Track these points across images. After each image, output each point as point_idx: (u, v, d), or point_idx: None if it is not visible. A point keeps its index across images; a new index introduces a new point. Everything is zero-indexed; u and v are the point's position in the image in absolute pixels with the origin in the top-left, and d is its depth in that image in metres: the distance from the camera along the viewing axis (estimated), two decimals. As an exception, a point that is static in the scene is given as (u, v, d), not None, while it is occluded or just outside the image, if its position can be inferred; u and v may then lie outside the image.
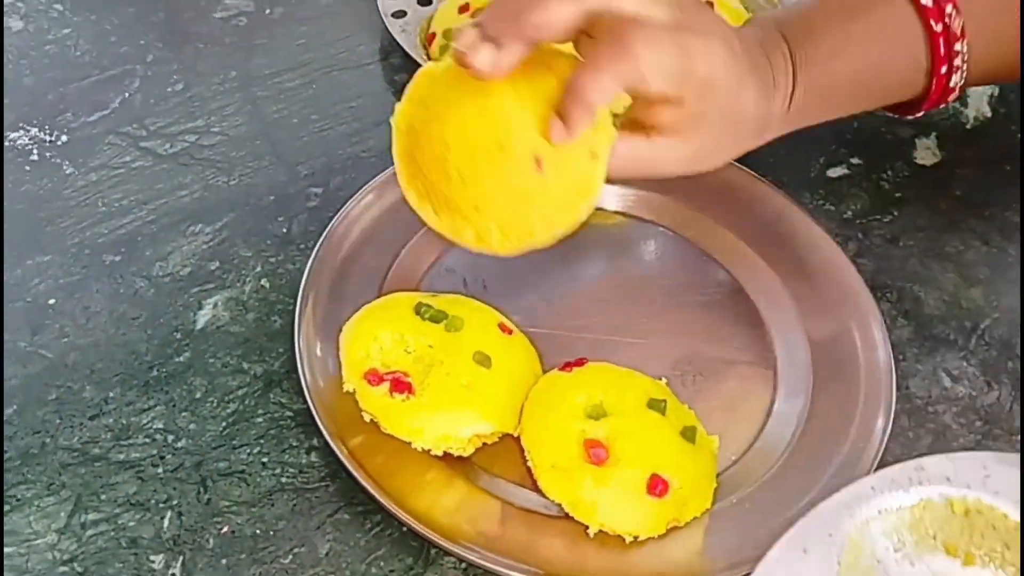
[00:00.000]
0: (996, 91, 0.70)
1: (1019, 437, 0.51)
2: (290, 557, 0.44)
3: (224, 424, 0.49)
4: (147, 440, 0.48)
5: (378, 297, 0.51)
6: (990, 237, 0.60)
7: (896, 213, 0.61)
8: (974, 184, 0.63)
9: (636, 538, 0.44)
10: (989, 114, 0.68)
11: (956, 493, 0.41)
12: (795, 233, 0.57)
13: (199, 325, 0.53)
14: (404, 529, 0.45)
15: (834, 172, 0.63)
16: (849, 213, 0.61)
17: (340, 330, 0.49)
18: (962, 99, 0.69)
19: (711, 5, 0.66)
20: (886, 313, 0.54)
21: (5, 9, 0.70)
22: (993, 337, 0.55)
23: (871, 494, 0.41)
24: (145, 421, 0.49)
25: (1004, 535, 0.40)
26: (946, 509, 0.41)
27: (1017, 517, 0.40)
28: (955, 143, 0.66)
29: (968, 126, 0.67)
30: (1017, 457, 0.41)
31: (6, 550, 0.44)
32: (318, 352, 0.49)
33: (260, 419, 0.49)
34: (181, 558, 0.44)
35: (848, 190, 0.62)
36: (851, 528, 0.40)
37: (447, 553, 0.44)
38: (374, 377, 0.46)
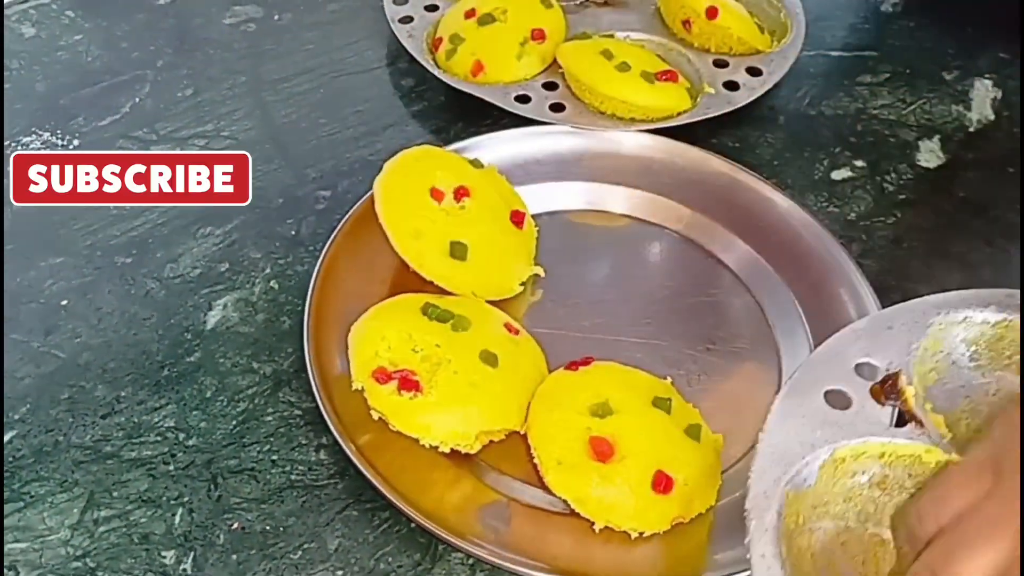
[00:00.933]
0: (999, 94, 0.70)
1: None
2: (299, 553, 0.45)
3: (234, 422, 0.49)
4: (158, 438, 0.49)
5: (386, 298, 0.52)
6: (993, 238, 0.60)
7: (899, 215, 0.62)
8: (977, 186, 0.64)
9: (641, 534, 0.44)
10: (992, 117, 0.69)
11: None
12: (799, 235, 0.57)
13: (209, 325, 0.53)
14: (412, 525, 0.45)
15: (838, 174, 0.64)
16: (853, 215, 0.61)
17: (348, 330, 0.50)
18: (966, 102, 0.70)
19: (715, 11, 0.66)
20: (890, 313, 0.55)
21: (18, 16, 0.71)
22: (996, 337, 0.55)
23: (960, 302, 0.43)
24: (156, 420, 0.49)
25: None
26: None
27: None
28: (958, 146, 0.66)
29: (971, 129, 0.68)
30: None
31: (20, 546, 0.44)
32: (327, 352, 0.50)
33: (270, 418, 0.50)
34: (192, 554, 0.45)
35: (852, 192, 0.63)
36: (936, 323, 0.42)
37: (455, 549, 0.45)
38: (382, 375, 0.47)
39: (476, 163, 0.56)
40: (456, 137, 0.64)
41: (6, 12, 0.71)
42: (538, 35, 0.65)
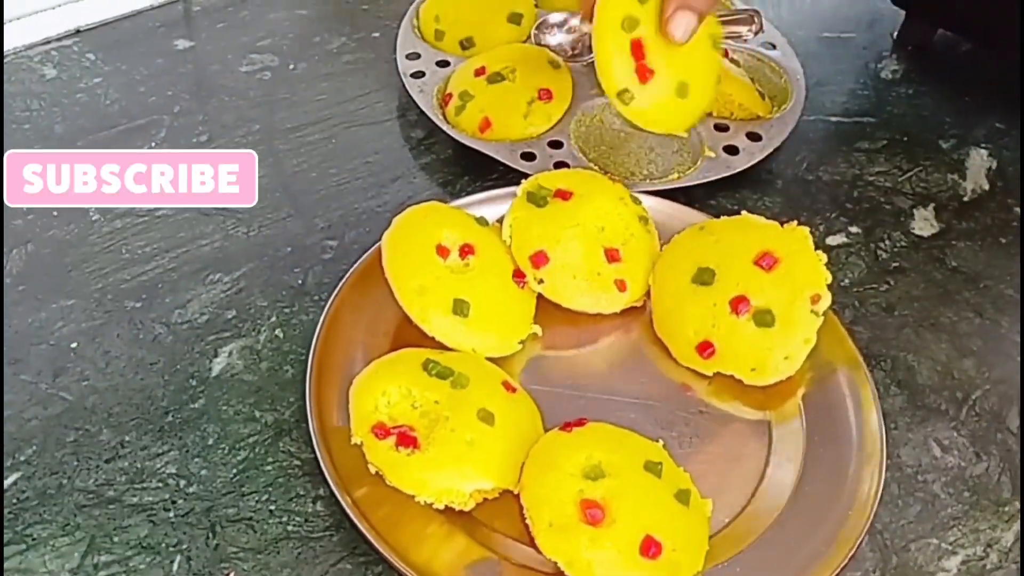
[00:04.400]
0: (994, 164, 0.72)
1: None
2: (293, 604, 0.46)
3: (234, 471, 0.50)
4: (160, 484, 0.50)
5: (389, 351, 0.53)
6: (984, 309, 0.62)
7: (892, 282, 0.63)
8: (970, 256, 0.65)
9: (629, 598, 0.45)
10: (987, 187, 0.70)
11: None
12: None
13: (214, 372, 0.55)
14: (404, 580, 0.46)
15: (833, 240, 0.65)
16: (846, 281, 0.63)
17: (350, 382, 0.51)
18: (961, 171, 0.71)
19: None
20: (879, 382, 0.56)
21: (40, 57, 0.73)
22: (984, 408, 0.56)
23: None
24: (159, 465, 0.50)
25: None
26: None
27: None
28: (952, 214, 0.68)
29: (966, 198, 0.69)
30: None
31: (21, 588, 0.45)
32: (327, 403, 0.51)
33: (269, 467, 0.51)
34: (188, 602, 0.46)
35: (846, 259, 0.64)
36: None
37: (445, 605, 0.45)
38: (381, 431, 0.48)
39: (482, 221, 0.58)
40: (463, 191, 0.65)
41: (28, 53, 0.73)
42: (545, 95, 0.67)
